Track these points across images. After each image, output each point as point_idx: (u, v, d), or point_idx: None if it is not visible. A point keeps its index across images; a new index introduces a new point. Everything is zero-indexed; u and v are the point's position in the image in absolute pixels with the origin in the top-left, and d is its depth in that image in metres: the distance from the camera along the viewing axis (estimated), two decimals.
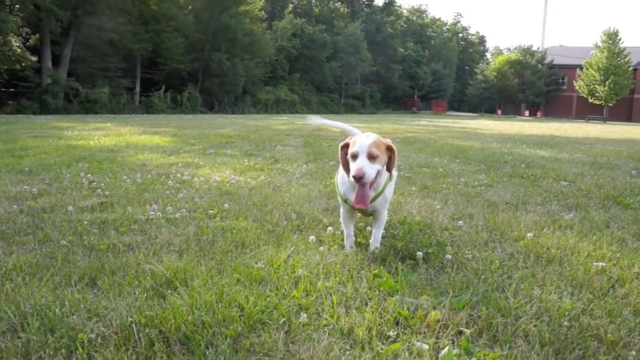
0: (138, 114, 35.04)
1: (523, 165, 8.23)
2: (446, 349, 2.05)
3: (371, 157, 2.87)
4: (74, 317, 2.26)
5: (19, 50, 32.79)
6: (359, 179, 2.81)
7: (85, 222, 3.89)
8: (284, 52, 52.50)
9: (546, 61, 71.33)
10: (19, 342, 2.04)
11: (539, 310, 2.43)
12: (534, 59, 71.75)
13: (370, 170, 2.85)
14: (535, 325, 2.25)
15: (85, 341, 2.04)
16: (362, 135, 3.05)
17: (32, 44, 35.95)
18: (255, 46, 46.22)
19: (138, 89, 40.70)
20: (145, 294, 2.51)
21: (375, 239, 3.32)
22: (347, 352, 2.02)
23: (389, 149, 3.00)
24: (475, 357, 2.02)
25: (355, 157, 2.90)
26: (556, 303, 2.50)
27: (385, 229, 3.65)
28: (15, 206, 4.46)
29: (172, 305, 2.33)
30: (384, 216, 3.34)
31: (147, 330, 2.11)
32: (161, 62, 41.23)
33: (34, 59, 33.97)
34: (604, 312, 2.42)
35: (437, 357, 2.00)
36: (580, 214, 4.64)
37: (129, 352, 1.97)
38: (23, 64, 32.96)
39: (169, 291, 2.55)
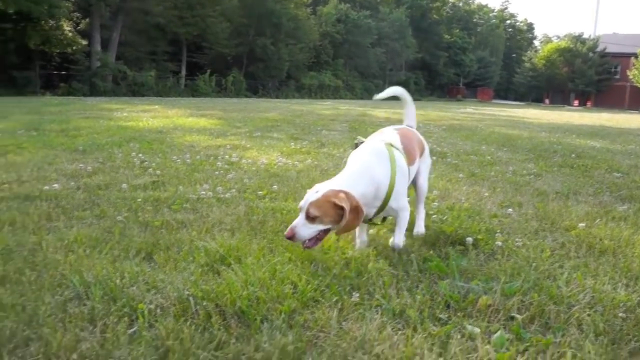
0: (183, 97, 35.56)
1: (573, 155, 8.05)
2: (498, 332, 2.05)
3: (310, 218, 2.57)
4: (134, 288, 2.35)
5: (70, 34, 33.69)
6: (287, 238, 2.59)
7: (139, 200, 4.01)
8: (328, 38, 52.31)
9: (598, 49, 68.98)
10: (84, 308, 2.13)
11: (592, 300, 2.40)
12: (585, 47, 69.50)
13: (305, 231, 2.57)
14: (589, 315, 2.23)
15: (146, 311, 2.12)
16: (314, 187, 2.70)
17: (82, 28, 36.83)
18: (299, 31, 46.24)
19: (184, 72, 41.32)
20: (200, 269, 2.59)
21: (396, 239, 2.97)
22: (400, 332, 2.04)
23: (339, 207, 2.57)
24: (528, 342, 2.01)
25: (300, 212, 2.63)
26: (610, 294, 2.46)
27: (426, 215, 3.64)
28: (72, 183, 4.63)
29: (227, 281, 2.40)
30: (403, 217, 3.01)
31: (204, 303, 2.18)
32: (206, 46, 41.69)
33: (84, 42, 34.84)
34: None
35: (489, 341, 2.01)
36: (634, 205, 4.52)
37: (188, 322, 2.04)
38: (74, 48, 33.85)
39: (223, 267, 2.62)
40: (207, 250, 2.84)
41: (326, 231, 2.64)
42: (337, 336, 2.00)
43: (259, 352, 1.83)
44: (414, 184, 3.41)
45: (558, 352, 1.93)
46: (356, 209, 2.59)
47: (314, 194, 2.62)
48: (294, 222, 2.58)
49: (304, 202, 2.60)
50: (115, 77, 35.39)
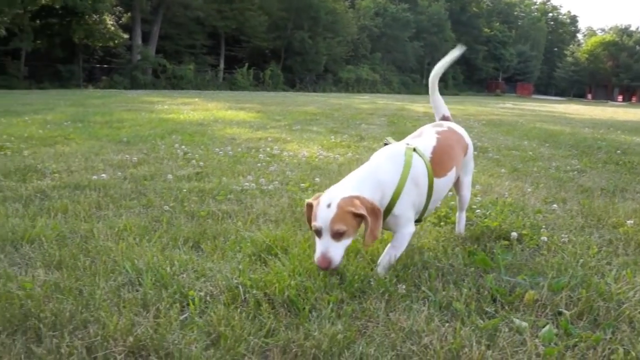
0: (222, 90, 35.95)
1: (618, 151, 7.86)
2: (547, 327, 2.04)
3: (337, 235, 2.29)
4: (184, 275, 2.41)
5: (112, 28, 34.43)
6: (324, 269, 2.31)
7: (185, 190, 4.09)
8: (366, 31, 52.12)
9: None
10: (137, 294, 2.20)
11: None
12: (632, 39, 67.59)
13: (338, 252, 2.29)
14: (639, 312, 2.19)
15: (196, 298, 2.17)
16: (320, 200, 2.38)
17: (124, 22, 37.59)
18: (337, 25, 46.19)
19: (222, 65, 41.78)
20: (248, 259, 2.64)
21: (381, 264, 2.58)
22: (447, 324, 2.04)
23: (358, 216, 2.32)
24: (577, 338, 1.99)
25: (318, 233, 2.33)
26: None
27: (469, 209, 3.60)
28: (119, 173, 4.75)
29: (275, 270, 2.44)
30: (401, 237, 2.62)
31: (253, 292, 2.22)
32: (244, 40, 42.03)
33: (126, 36, 35.54)
34: None
35: (537, 336, 1.99)
36: None
37: (238, 310, 2.08)
38: (116, 42, 34.61)
39: (270, 257, 2.66)
40: (253, 240, 2.89)
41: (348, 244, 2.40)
42: (385, 326, 2.01)
43: (308, 340, 1.86)
44: (457, 192, 3.25)
45: (609, 348, 1.90)
46: (374, 211, 2.35)
47: (326, 209, 2.30)
48: (322, 248, 2.28)
49: (322, 222, 2.28)
50: (155, 70, 36.03)
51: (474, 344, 1.88)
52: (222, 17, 39.21)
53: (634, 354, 1.87)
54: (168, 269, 2.45)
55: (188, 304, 2.14)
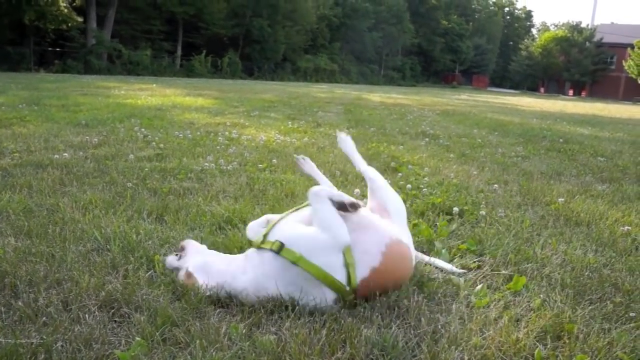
0: (179, 77, 35.53)
1: (561, 140, 8.31)
2: (480, 285, 2.31)
3: None
4: (149, 242, 2.58)
5: (65, 10, 33.52)
6: None
7: (146, 169, 4.24)
8: (326, 21, 52.20)
9: (595, 39, 69.12)
10: (106, 258, 2.37)
11: (563, 261, 2.66)
12: (582, 36, 69.60)
13: None
14: (559, 273, 2.49)
15: (161, 261, 2.35)
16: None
17: (78, 5, 36.65)
18: (296, 13, 46.13)
19: (179, 52, 41.30)
20: (209, 229, 2.83)
21: None
22: None
23: None
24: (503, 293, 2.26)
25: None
26: (580, 257, 2.72)
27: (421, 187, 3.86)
28: (80, 153, 4.85)
29: (233, 238, 2.64)
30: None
31: None
32: (203, 27, 41.58)
33: (80, 19, 34.71)
34: (625, 267, 2.63)
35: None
36: (613, 186, 4.80)
37: None
38: (69, 24, 33.73)
39: (230, 228, 2.86)
40: (213, 214, 3.09)
41: None
42: None
43: None
44: None
45: (528, 296, 2.20)
46: None
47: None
48: None
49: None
50: (111, 55, 35.35)
51: (414, 295, 2.13)
52: (180, 2, 38.66)
53: (548, 301, 2.16)
54: (134, 236, 2.63)
55: (154, 266, 2.33)
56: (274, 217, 2.36)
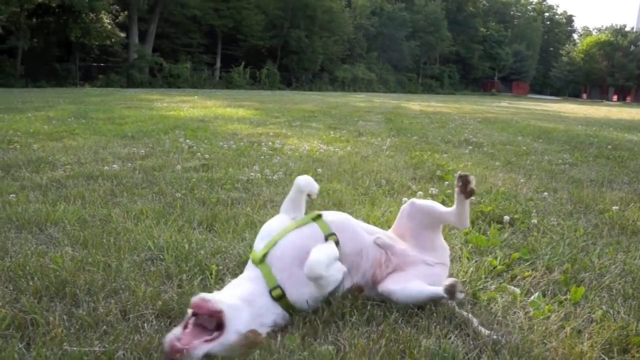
0: (218, 88, 36.10)
1: (609, 147, 8.09)
2: (536, 294, 2.25)
3: None
4: (201, 252, 2.60)
5: (109, 26, 34.54)
6: None
7: (194, 180, 4.29)
8: (363, 30, 52.35)
9: None
10: (161, 267, 2.40)
11: (622, 271, 2.57)
12: (627, 40, 67.93)
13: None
14: (619, 283, 2.40)
15: (214, 271, 2.36)
16: None
17: (121, 21, 37.70)
18: (334, 24, 46.42)
19: (218, 64, 41.98)
20: None
21: None
22: None
23: None
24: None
25: None
26: None
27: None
28: (129, 164, 4.95)
29: None
30: None
31: None
32: (241, 39, 42.22)
33: (122, 35, 35.69)
34: None
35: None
36: None
37: None
38: (113, 40, 34.76)
39: None
40: (263, 223, 3.08)
41: None
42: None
43: None
44: None
45: (589, 307, 2.12)
46: None
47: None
48: None
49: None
50: (152, 69, 36.21)
51: (468, 305, 2.08)
52: (219, 15, 39.44)
53: (612, 314, 2.09)
54: (186, 246, 2.65)
55: (207, 276, 2.34)
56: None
